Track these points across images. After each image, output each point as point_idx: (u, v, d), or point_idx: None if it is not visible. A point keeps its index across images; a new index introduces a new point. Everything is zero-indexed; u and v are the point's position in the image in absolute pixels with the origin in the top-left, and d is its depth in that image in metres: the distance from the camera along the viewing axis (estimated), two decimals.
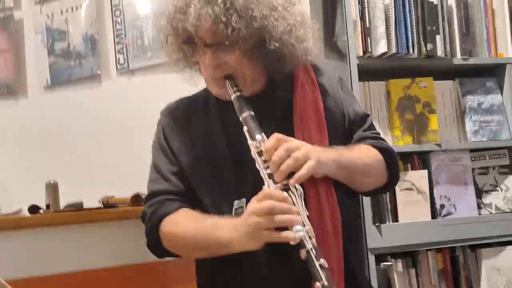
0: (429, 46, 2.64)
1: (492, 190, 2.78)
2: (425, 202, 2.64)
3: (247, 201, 1.46)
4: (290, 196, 1.41)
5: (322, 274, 1.32)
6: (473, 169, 2.77)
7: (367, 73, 2.60)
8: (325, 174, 1.50)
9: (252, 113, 1.51)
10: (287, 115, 1.56)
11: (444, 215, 2.67)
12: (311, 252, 1.35)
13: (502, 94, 2.82)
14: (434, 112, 2.69)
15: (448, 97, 2.78)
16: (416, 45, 2.62)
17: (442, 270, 2.66)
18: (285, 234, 1.37)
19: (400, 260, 2.58)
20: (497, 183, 2.79)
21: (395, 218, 2.60)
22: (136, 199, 2.19)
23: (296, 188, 1.43)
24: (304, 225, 1.38)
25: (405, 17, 2.62)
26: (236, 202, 1.51)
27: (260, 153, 1.46)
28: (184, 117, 1.71)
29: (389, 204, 2.60)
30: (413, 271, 2.61)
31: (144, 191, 1.77)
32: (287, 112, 1.56)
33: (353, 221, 1.61)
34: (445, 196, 2.68)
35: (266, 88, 1.66)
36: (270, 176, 1.44)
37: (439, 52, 2.67)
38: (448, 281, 2.65)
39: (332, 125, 1.60)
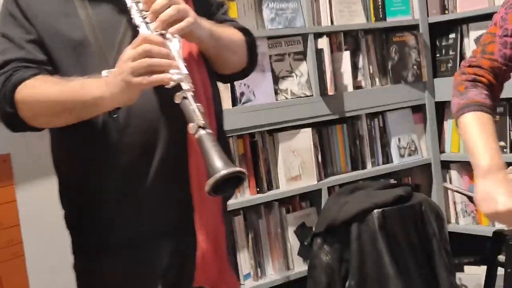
0: None
1: (287, 76, 2.89)
2: (226, 90, 2.67)
3: None
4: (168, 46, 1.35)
5: (199, 114, 1.29)
6: (270, 56, 2.84)
7: None
8: (199, 38, 1.45)
9: None
10: None
11: (244, 102, 2.74)
12: (188, 93, 1.30)
13: None
14: (233, 0, 2.68)
15: None
16: None
17: (243, 155, 2.76)
18: (162, 75, 1.30)
19: None
20: (292, 69, 2.90)
21: None
22: None
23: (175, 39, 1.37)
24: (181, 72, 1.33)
25: None
26: (104, 72, 1.38)
27: (137, 2, 1.38)
28: None
29: None
30: None
31: None
32: None
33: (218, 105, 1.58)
34: (245, 84, 2.73)
35: None
36: (148, 25, 1.36)
37: None
38: (248, 165, 2.76)
39: (197, 8, 1.51)
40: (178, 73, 1.32)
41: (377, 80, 3.19)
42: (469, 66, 1.55)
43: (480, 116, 1.46)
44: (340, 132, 3.06)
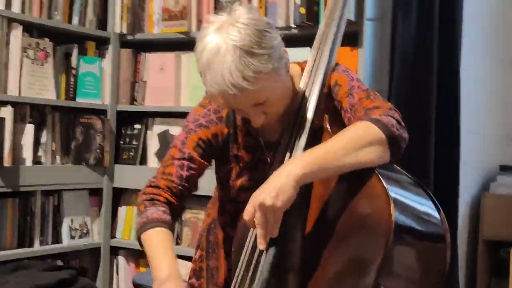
0: None
1: None
2: None
3: None
4: None
5: None
6: None
7: None
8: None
9: None
10: None
11: None
12: None
13: None
14: None
15: None
16: None
17: None
18: None
19: None
20: None
21: None
22: None
23: None
24: None
25: None
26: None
27: None
28: None
29: None
30: None
31: None
32: None
33: None
34: None
35: None
36: None
37: None
38: None
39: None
40: None
41: (58, 158, 3.15)
42: (149, 186, 1.65)
43: (157, 232, 1.56)
44: (11, 206, 2.93)
